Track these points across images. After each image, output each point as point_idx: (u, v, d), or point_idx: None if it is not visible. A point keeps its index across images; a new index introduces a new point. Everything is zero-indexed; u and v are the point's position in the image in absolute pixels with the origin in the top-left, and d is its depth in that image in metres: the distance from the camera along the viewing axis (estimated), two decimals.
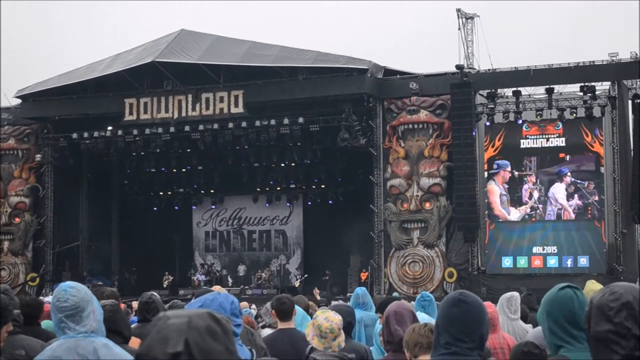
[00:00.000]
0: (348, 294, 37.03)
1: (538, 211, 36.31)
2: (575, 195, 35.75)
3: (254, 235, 48.18)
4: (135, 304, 11.80)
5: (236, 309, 5.30)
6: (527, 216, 36.48)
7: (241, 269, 45.23)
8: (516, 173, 36.54)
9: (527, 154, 36.46)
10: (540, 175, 36.30)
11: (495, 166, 36.75)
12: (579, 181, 35.70)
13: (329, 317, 6.64)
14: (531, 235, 36.38)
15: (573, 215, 35.72)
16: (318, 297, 15.73)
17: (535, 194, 36.35)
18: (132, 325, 8.78)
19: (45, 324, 8.95)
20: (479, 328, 4.27)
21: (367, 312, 10.36)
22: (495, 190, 36.78)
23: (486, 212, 36.77)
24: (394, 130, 37.78)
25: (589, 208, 35.52)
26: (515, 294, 10.23)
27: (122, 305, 16.51)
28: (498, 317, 8.64)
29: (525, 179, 36.45)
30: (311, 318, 9.94)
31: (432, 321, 5.89)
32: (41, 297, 22.61)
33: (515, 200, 36.55)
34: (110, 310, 6.13)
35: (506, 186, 36.70)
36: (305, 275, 41.98)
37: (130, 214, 47.33)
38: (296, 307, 9.36)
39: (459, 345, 4.20)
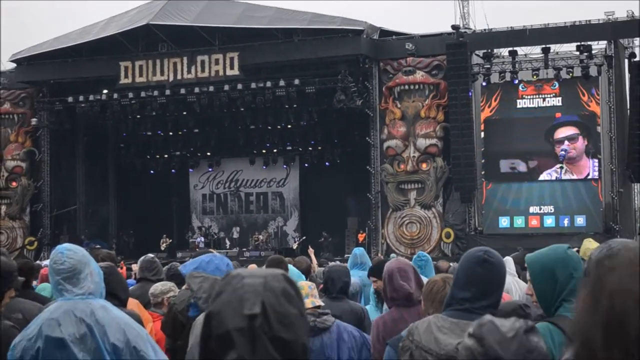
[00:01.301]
0: (346, 255, 37.21)
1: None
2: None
3: (251, 198, 48.21)
4: (135, 267, 11.83)
5: (232, 269, 5.30)
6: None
7: (235, 232, 45.27)
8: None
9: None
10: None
11: None
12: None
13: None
14: (528, 195, 36.42)
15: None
16: (313, 256, 15.78)
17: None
18: (132, 287, 8.82)
19: (43, 286, 8.99)
20: (499, 288, 4.33)
21: (365, 272, 10.41)
22: None
23: (482, 172, 36.78)
24: (390, 91, 37.68)
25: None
26: (509, 259, 10.26)
27: (124, 268, 16.59)
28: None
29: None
30: (307, 279, 10.01)
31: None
32: (39, 261, 22.70)
33: None
34: (106, 272, 6.14)
35: None
36: (304, 238, 42.03)
37: (127, 177, 47.29)
38: (290, 266, 9.41)
39: (475, 303, 4.24)
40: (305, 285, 6.53)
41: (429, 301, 5.51)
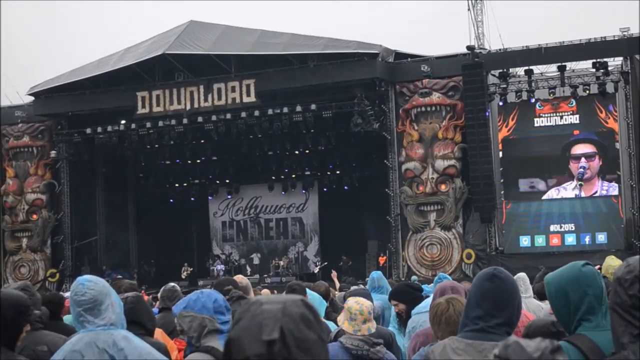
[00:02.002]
0: (366, 279, 37.09)
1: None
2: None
3: (271, 224, 48.22)
4: (159, 296, 11.84)
5: (220, 306, 5.29)
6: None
7: (256, 258, 45.25)
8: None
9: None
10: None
11: None
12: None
13: (359, 301, 6.66)
14: (548, 214, 36.28)
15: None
16: (336, 280, 15.74)
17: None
18: (157, 316, 8.82)
19: (67, 318, 9.00)
20: (510, 304, 4.30)
21: (383, 296, 10.38)
22: None
23: (502, 192, 36.69)
24: (406, 113, 37.70)
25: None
26: (522, 274, 10.20)
27: (146, 298, 16.61)
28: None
29: None
30: (327, 302, 10.00)
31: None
32: (61, 293, 22.75)
33: None
34: (132, 302, 6.15)
35: None
36: (325, 263, 41.94)
37: (146, 206, 47.42)
38: (309, 292, 9.38)
39: (488, 321, 4.23)
40: (365, 310, 6.54)
41: (435, 324, 5.52)
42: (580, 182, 35.85)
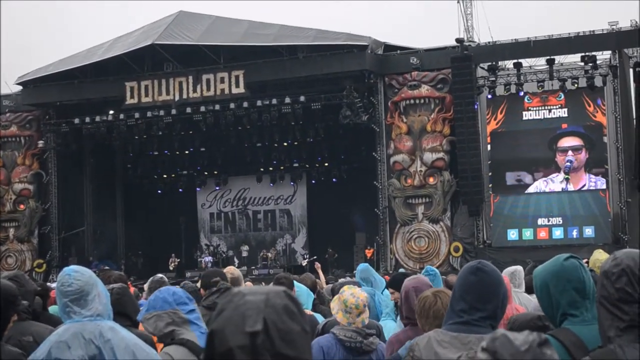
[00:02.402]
0: (354, 271, 37.10)
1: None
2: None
3: (259, 216, 48.19)
4: (145, 286, 11.81)
5: (180, 298, 5.28)
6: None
7: (244, 250, 45.21)
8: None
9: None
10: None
11: None
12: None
13: (355, 293, 6.65)
14: (536, 207, 36.35)
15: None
16: (320, 272, 15.73)
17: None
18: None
19: (52, 309, 8.98)
20: (494, 297, 4.30)
21: (369, 289, 10.35)
22: None
23: (490, 185, 36.75)
24: (395, 105, 37.71)
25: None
26: (519, 268, 10.22)
27: (132, 289, 16.59)
28: (511, 288, 8.67)
29: None
30: (314, 295, 9.99)
31: None
32: (48, 283, 22.70)
33: None
34: (118, 293, 6.13)
35: None
36: (314, 257, 41.92)
37: (134, 197, 47.36)
38: (296, 284, 9.38)
39: (472, 314, 4.23)
40: (361, 303, 6.55)
41: (423, 318, 5.52)
42: (567, 176, 35.95)
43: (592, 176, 35.80)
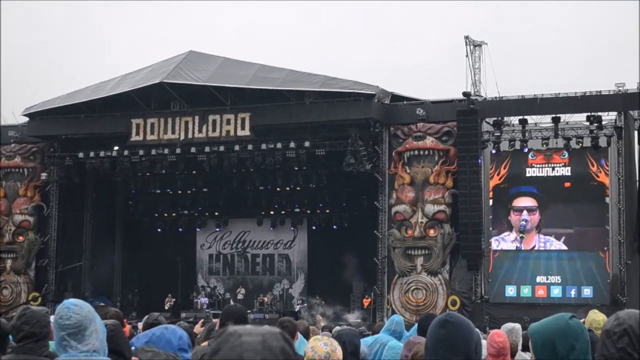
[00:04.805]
0: (351, 320, 37.01)
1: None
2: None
3: (258, 259, 48.06)
4: (140, 325, 11.74)
5: (185, 343, 5.22)
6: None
7: (240, 292, 45.02)
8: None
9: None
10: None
11: None
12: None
13: (315, 347, 6.56)
14: (535, 265, 36.29)
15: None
16: (322, 324, 15.65)
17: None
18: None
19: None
20: (466, 347, 4.33)
21: (399, 343, 10.19)
22: None
23: (490, 240, 36.71)
24: (399, 156, 37.76)
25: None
26: (517, 325, 10.15)
27: (127, 327, 16.49)
28: (508, 345, 8.58)
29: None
30: (307, 341, 9.91)
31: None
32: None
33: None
34: (112, 329, 6.09)
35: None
36: (305, 305, 41.86)
37: (134, 234, 47.29)
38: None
39: None
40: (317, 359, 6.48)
41: None
42: (521, 235, 36.24)
43: (541, 236, 36.07)
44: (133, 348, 6.42)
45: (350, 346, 7.91)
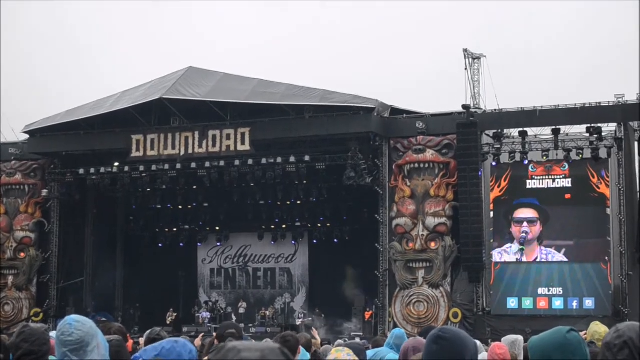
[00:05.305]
0: (352, 334, 36.98)
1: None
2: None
3: (259, 273, 48.04)
4: (142, 340, 11.71)
5: (194, 358, 5.22)
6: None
7: (242, 307, 44.97)
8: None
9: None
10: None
11: None
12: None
13: (338, 358, 6.63)
14: (537, 277, 36.25)
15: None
16: (317, 337, 15.58)
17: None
18: None
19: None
20: None
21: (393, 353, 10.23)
22: None
23: (491, 252, 36.68)
24: (400, 169, 37.77)
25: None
26: (520, 337, 10.15)
27: (130, 342, 16.49)
28: (509, 358, 8.60)
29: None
30: (309, 355, 9.90)
31: None
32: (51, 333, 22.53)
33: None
34: (117, 345, 6.10)
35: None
36: (309, 319, 41.87)
37: (135, 250, 47.29)
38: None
39: None
40: None
41: None
42: (521, 247, 36.21)
43: (543, 248, 36.04)
44: None
45: None
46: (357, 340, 30.14)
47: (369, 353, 9.70)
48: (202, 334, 16.45)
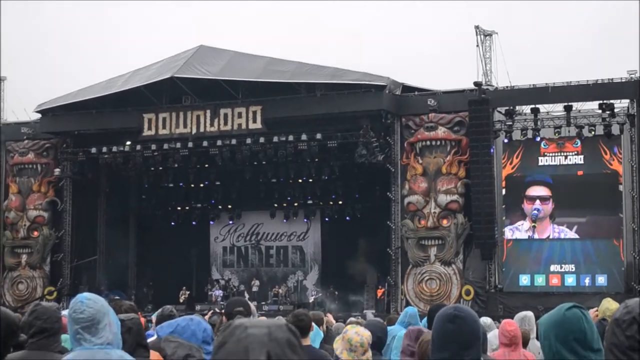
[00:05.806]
0: (364, 310, 37.06)
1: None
2: None
3: (272, 251, 48.13)
4: (154, 318, 11.76)
5: (208, 336, 5.23)
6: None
7: (255, 285, 45.10)
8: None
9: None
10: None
11: None
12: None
13: (359, 332, 6.65)
14: (549, 254, 36.23)
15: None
16: (331, 318, 15.64)
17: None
18: (151, 339, 8.77)
19: (64, 337, 8.94)
20: (476, 341, 4.29)
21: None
22: None
23: (503, 229, 36.66)
24: (411, 146, 37.72)
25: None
26: (529, 313, 10.15)
27: (142, 320, 16.55)
28: (520, 334, 8.59)
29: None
30: (323, 333, 9.95)
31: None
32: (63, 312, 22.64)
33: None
34: (137, 323, 6.11)
35: None
36: (320, 294, 42.03)
37: (147, 228, 47.40)
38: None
39: None
40: (365, 342, 6.56)
41: None
42: (533, 224, 36.16)
43: (555, 226, 36.05)
44: (156, 337, 6.51)
45: (372, 338, 7.95)
46: (370, 315, 30.32)
47: None
48: (212, 310, 16.49)
